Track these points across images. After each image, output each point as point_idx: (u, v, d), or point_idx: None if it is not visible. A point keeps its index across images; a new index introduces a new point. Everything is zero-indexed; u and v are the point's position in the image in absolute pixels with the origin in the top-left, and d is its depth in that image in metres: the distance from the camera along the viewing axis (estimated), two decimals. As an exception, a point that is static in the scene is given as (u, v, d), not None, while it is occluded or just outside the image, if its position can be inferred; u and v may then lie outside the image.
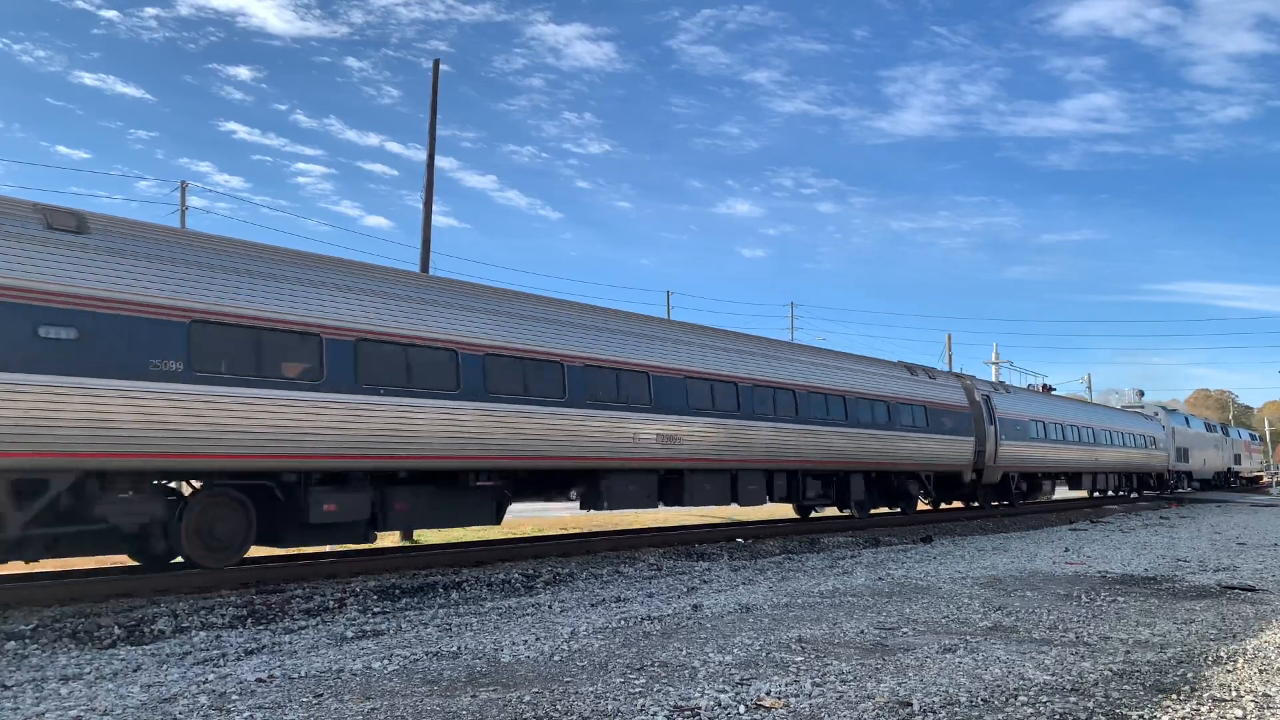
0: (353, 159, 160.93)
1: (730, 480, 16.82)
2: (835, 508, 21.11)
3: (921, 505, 24.52)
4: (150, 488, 10.16)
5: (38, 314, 8.81)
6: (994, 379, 40.86)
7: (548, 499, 15.28)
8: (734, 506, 18.08)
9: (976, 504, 26.32)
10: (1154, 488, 39.62)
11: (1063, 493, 35.20)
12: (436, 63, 21.71)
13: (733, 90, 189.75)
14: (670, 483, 15.75)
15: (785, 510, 23.34)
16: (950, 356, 52.20)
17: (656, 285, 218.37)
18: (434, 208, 20.86)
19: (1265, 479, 63.30)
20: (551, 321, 14.06)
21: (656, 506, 16.11)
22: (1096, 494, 35.05)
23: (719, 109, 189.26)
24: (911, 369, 24.02)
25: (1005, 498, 27.34)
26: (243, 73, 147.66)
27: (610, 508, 14.90)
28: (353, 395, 11.02)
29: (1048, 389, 37.48)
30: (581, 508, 15.01)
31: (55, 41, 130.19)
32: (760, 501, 17.85)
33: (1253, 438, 63.22)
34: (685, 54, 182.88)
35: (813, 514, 22.07)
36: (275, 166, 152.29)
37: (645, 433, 14.83)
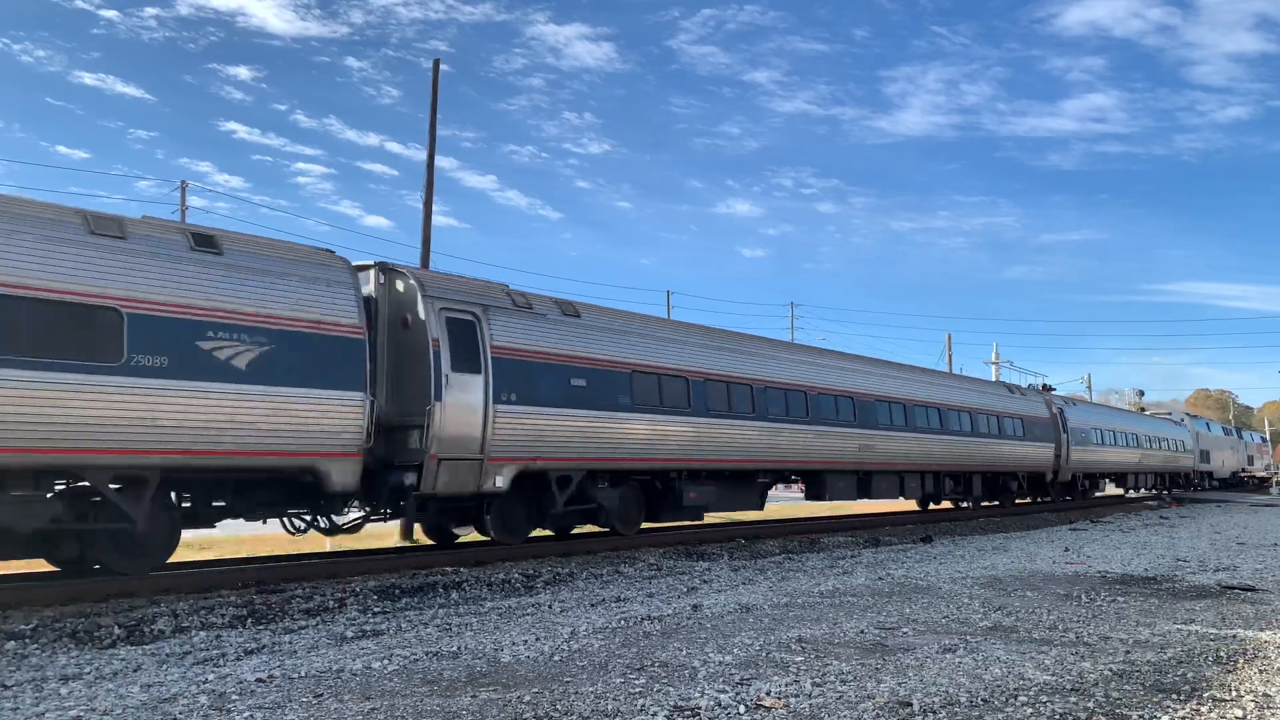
0: (352, 159, 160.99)
1: (899, 479, 21.64)
2: (951, 501, 26.04)
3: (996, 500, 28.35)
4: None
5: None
6: (994, 379, 41.55)
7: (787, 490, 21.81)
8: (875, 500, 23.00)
9: (1049, 498, 30.80)
10: (1181, 486, 43.83)
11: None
12: (436, 63, 21.71)
13: (733, 90, 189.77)
14: (862, 480, 20.56)
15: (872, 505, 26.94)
16: (950, 356, 52.19)
17: (657, 285, 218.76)
18: (434, 208, 20.86)
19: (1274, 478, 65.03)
20: (798, 362, 19.26)
21: (856, 499, 21.30)
22: (1130, 492, 38.81)
23: (719, 109, 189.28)
24: (1010, 388, 29.90)
25: (1071, 493, 32.17)
26: (242, 72, 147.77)
27: (830, 499, 20.16)
28: (701, 418, 15.92)
29: (1047, 389, 37.77)
30: (806, 498, 20.97)
31: (55, 41, 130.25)
32: (896, 496, 22.22)
33: (1263, 440, 67.84)
34: (685, 54, 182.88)
35: (930, 506, 26.59)
36: (275, 166, 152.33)
37: (851, 444, 19.71)
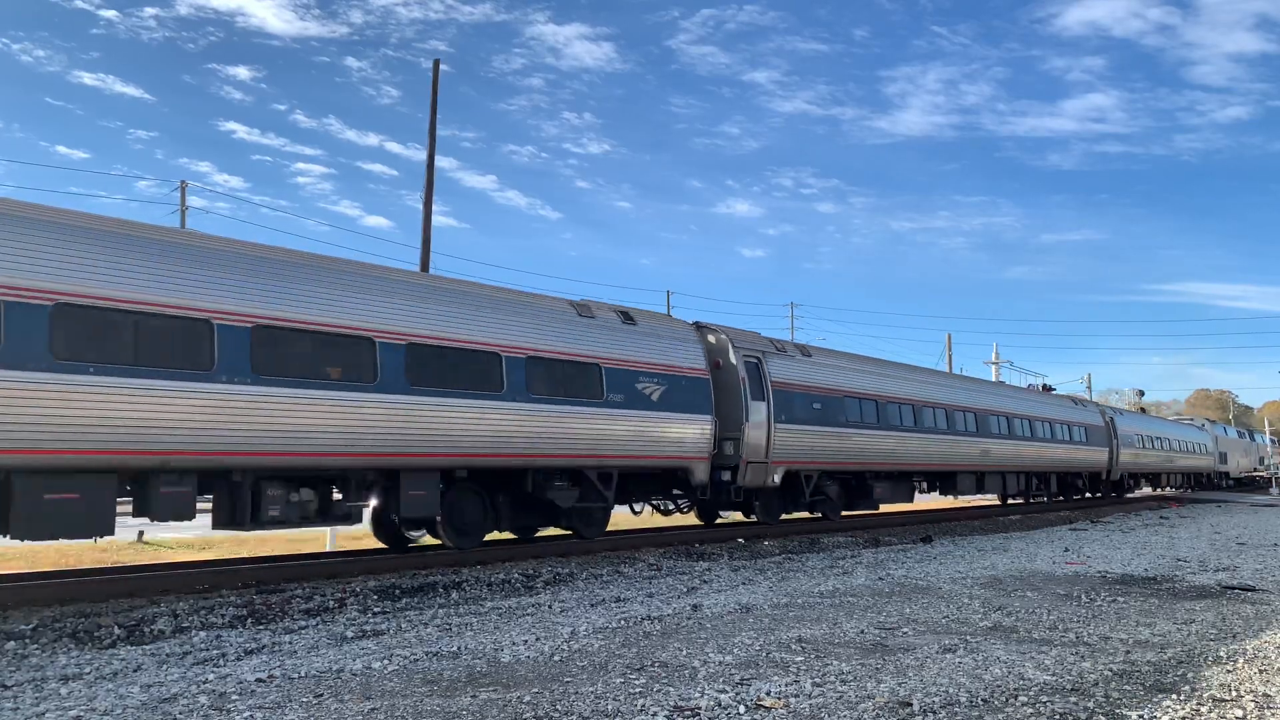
0: (352, 159, 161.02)
1: (1001, 478, 26.35)
2: (1023, 498, 29.87)
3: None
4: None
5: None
6: (994, 379, 42.12)
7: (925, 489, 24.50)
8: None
9: (1101, 495, 35.35)
10: (1204, 485, 49.17)
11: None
12: (436, 63, 21.74)
13: (732, 90, 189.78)
14: (979, 479, 24.95)
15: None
16: (950, 356, 52.20)
17: (656, 285, 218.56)
18: (434, 208, 20.88)
19: None
20: (939, 384, 24.19)
21: (974, 494, 26.20)
22: (1163, 489, 43.82)
23: (719, 109, 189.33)
24: (1074, 400, 34.74)
25: (1118, 491, 37.00)
26: (242, 72, 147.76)
27: (959, 494, 25.25)
28: (887, 432, 20.55)
29: (1047, 389, 38.29)
30: (940, 494, 25.26)
31: (54, 41, 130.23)
32: (1000, 491, 27.13)
33: (1274, 441, 72.70)
34: (685, 54, 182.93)
35: (1009, 501, 29.87)
36: (275, 166, 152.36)
37: (975, 450, 24.35)
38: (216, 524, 10.67)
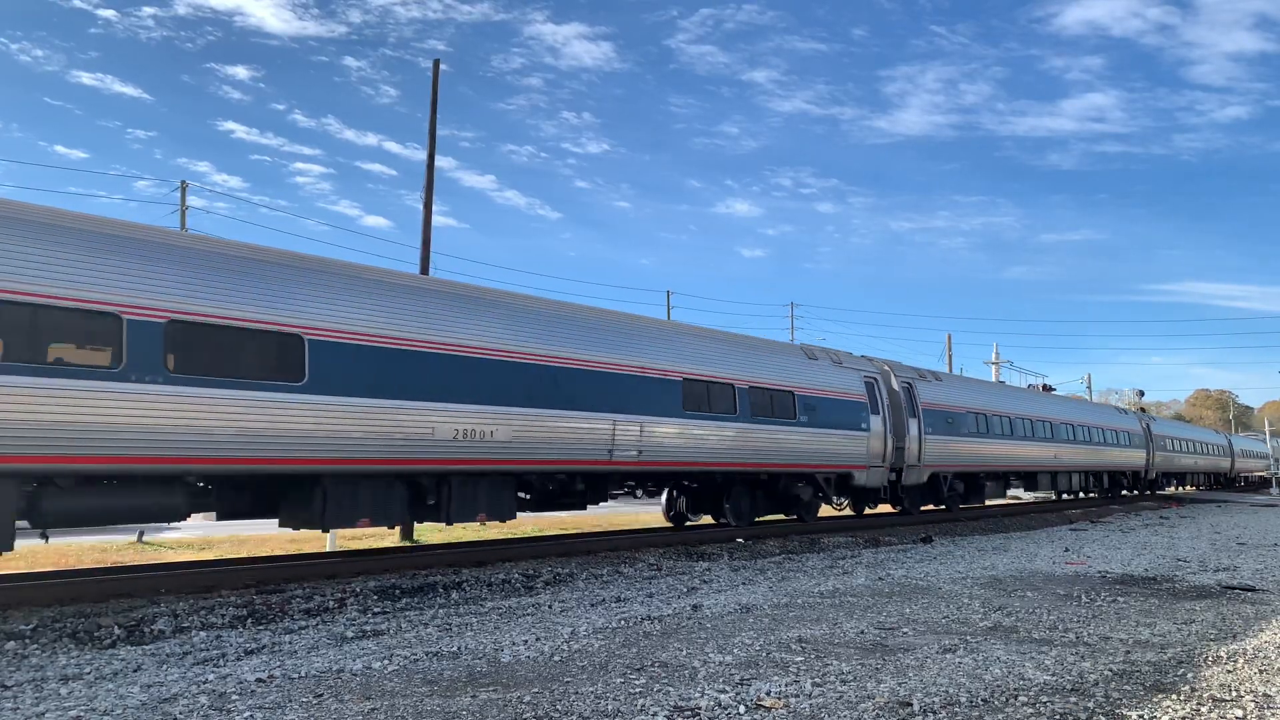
0: (351, 159, 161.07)
1: (1069, 476, 31.20)
2: (1087, 493, 34.35)
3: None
4: None
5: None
6: (994, 379, 42.78)
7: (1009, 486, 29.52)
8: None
9: (1138, 492, 40.10)
10: (1221, 484, 56.86)
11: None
12: (436, 63, 21.71)
13: (731, 90, 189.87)
14: (1053, 478, 29.88)
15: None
16: (950, 356, 52.18)
17: (656, 285, 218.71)
18: (433, 207, 20.87)
19: None
20: (1025, 397, 30.18)
21: (1049, 491, 31.33)
22: (1186, 488, 49.97)
23: (718, 108, 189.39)
24: (1119, 410, 42.08)
25: (1153, 489, 40.79)
26: (240, 72, 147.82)
27: (1038, 491, 31.06)
28: (992, 439, 25.23)
29: (1047, 389, 39.08)
30: (1025, 490, 31.28)
31: (53, 41, 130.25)
32: (1067, 489, 32.13)
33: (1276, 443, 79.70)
34: (684, 53, 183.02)
35: (1064, 496, 33.55)
36: (274, 166, 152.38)
37: (1049, 453, 28.55)
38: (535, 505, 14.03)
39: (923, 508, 23.23)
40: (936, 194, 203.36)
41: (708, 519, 18.45)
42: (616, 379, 14.04)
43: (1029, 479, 28.83)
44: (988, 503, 27.27)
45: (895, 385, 21.30)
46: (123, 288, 9.15)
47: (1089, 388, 65.88)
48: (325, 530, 12.02)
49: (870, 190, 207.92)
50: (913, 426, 21.35)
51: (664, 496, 18.24)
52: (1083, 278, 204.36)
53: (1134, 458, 36.51)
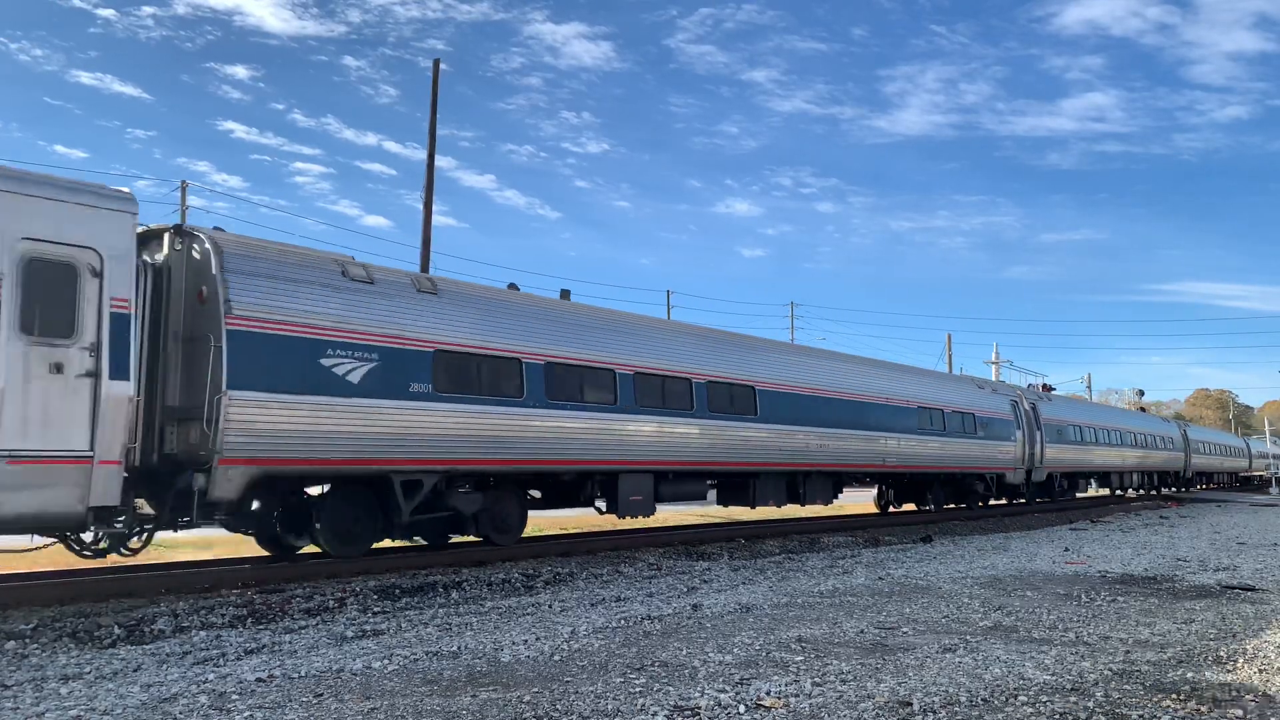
0: (351, 158, 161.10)
1: (1134, 476, 38.28)
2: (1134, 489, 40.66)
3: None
4: None
5: None
6: (994, 379, 43.37)
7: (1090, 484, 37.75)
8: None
9: (1177, 489, 46.53)
10: (1242, 483, 64.50)
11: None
12: (436, 63, 21.73)
13: (731, 89, 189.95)
14: (1120, 477, 36.74)
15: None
16: (950, 356, 52.23)
17: (656, 285, 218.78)
18: (433, 207, 20.88)
19: None
20: (1107, 409, 42.96)
21: (1120, 488, 38.08)
22: (1208, 485, 57.59)
23: (717, 108, 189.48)
24: (1162, 419, 48.95)
25: (1190, 487, 47.68)
26: (240, 72, 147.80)
27: (1114, 489, 37.75)
28: (1097, 446, 33.68)
29: (1048, 389, 39.64)
30: (1110, 491, 38.03)
31: (52, 40, 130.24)
32: (1131, 487, 39.23)
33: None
34: (683, 53, 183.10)
35: (1121, 492, 39.45)
36: (273, 166, 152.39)
37: (1119, 456, 35.63)
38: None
39: (1037, 499, 30.19)
40: (936, 194, 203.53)
41: (910, 506, 25.08)
42: (885, 409, 21.02)
43: (1103, 477, 36.32)
44: (1076, 495, 35.18)
45: (1025, 405, 28.07)
46: (521, 342, 13.06)
47: (1089, 387, 65.98)
48: (753, 508, 17.89)
49: (870, 190, 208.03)
50: (1038, 438, 28.12)
51: (875, 490, 24.41)
52: (1083, 278, 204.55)
53: (1175, 459, 44.51)
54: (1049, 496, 30.36)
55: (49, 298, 8.58)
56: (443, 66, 22.10)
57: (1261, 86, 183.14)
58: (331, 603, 9.20)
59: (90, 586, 9.58)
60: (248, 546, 15.84)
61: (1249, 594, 9.74)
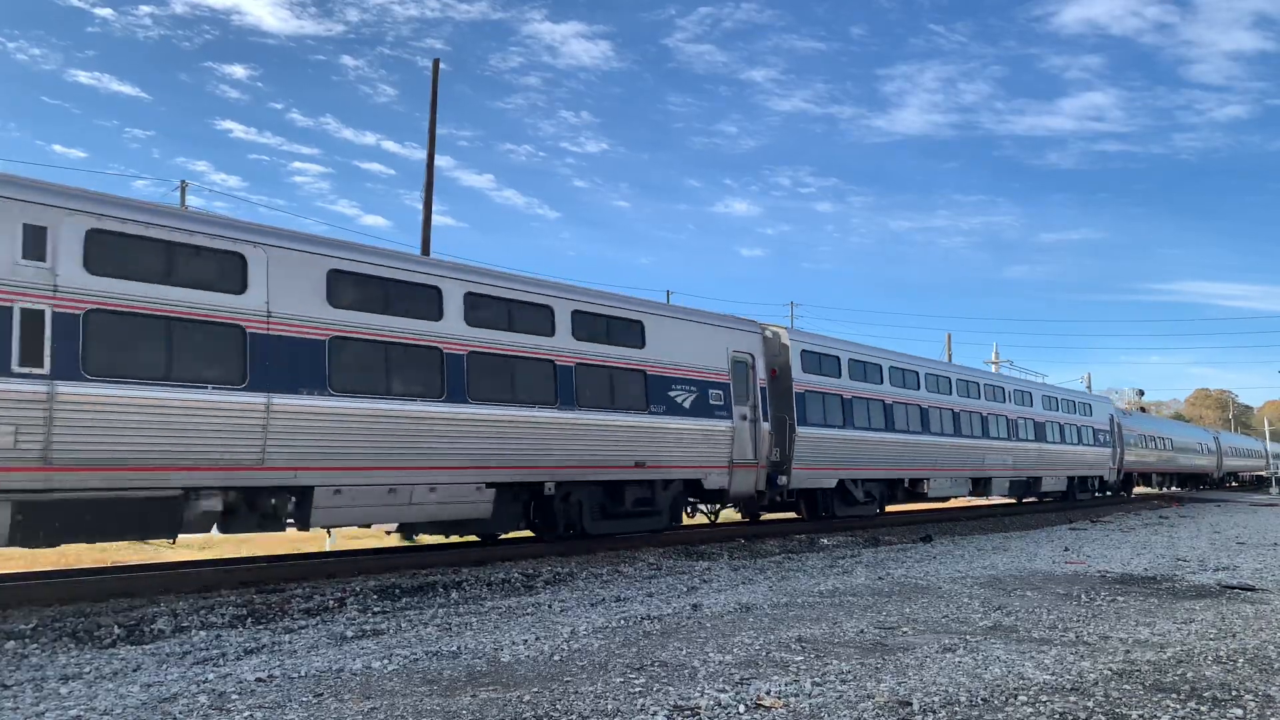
0: (349, 158, 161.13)
1: (1179, 476, 49.54)
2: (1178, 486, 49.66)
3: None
4: None
5: None
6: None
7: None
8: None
9: (1206, 486, 55.02)
10: (1264, 481, 71.08)
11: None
12: (436, 63, 21.72)
13: (730, 89, 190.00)
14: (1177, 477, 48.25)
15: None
16: (950, 356, 52.19)
17: (656, 285, 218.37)
18: (432, 207, 20.87)
19: None
20: (1162, 422, 53.00)
21: (1172, 487, 47.99)
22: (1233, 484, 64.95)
23: (716, 107, 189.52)
24: (1202, 429, 59.94)
25: (1218, 485, 56.81)
26: (238, 71, 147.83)
27: (1161, 487, 47.26)
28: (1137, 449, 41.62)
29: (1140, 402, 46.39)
30: (1149, 485, 46.00)
31: (50, 39, 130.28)
32: (1184, 486, 50.23)
33: None
34: (682, 52, 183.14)
35: (1163, 491, 47.10)
36: (272, 165, 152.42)
37: (1172, 458, 44.83)
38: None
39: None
40: (936, 193, 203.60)
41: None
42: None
43: (1166, 478, 46.53)
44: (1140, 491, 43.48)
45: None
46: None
47: (1089, 387, 65.91)
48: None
49: (869, 189, 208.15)
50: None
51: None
52: (1082, 277, 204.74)
53: (1210, 462, 54.37)
54: (1128, 493, 40.14)
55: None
56: (441, 66, 22.10)
57: (1260, 86, 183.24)
58: (331, 603, 9.20)
59: (90, 586, 9.57)
60: (248, 546, 15.84)
61: (1249, 594, 9.74)
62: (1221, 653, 6.48)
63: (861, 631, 7.27)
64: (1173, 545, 15.94)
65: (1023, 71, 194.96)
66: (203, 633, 7.70)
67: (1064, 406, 31.02)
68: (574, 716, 4.79)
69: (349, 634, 7.54)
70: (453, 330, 12.02)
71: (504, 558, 12.74)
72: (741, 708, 4.92)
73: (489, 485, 12.27)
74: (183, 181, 31.61)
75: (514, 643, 6.85)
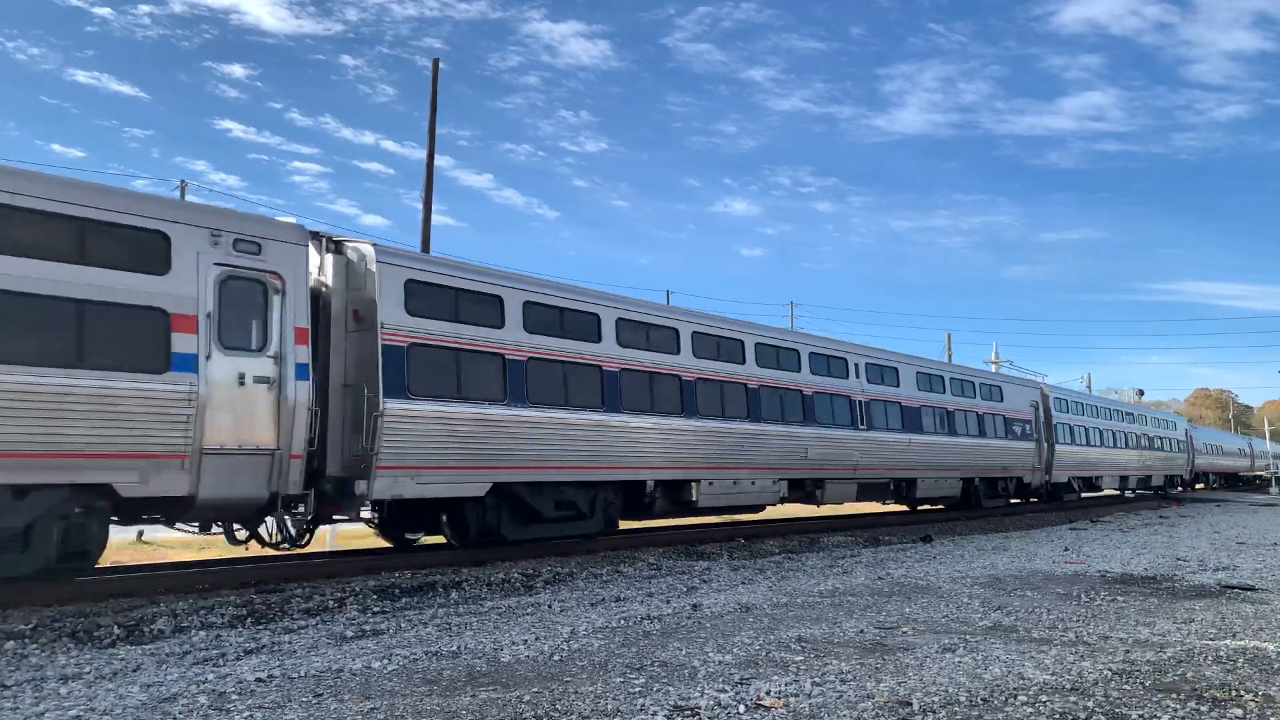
0: (348, 157, 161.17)
1: (1223, 476, 62.21)
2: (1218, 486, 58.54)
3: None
4: None
5: None
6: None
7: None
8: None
9: (1182, 488, 52.63)
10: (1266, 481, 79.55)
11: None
12: (436, 63, 21.71)
13: (729, 88, 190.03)
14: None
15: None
16: (950, 356, 52.20)
17: (656, 285, 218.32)
18: (432, 207, 20.86)
19: None
20: (1218, 435, 66.36)
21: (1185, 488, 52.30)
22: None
23: (716, 107, 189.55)
24: (1229, 436, 72.09)
25: (1191, 486, 53.16)
26: (237, 70, 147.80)
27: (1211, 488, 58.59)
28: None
29: None
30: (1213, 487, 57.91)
31: (49, 39, 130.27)
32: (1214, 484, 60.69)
33: None
34: (681, 51, 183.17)
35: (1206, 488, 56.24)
36: (271, 165, 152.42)
37: (1226, 463, 61.35)
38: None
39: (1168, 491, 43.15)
40: (935, 193, 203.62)
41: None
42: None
43: (1200, 477, 52.91)
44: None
45: (1188, 430, 45.29)
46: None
47: (1089, 387, 65.93)
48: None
49: (869, 189, 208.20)
50: (1191, 451, 45.33)
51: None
52: (1082, 277, 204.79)
53: (1245, 464, 64.57)
54: (1194, 488, 49.24)
55: None
56: (441, 66, 22.09)
57: (1260, 85, 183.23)
58: (331, 603, 9.19)
59: (90, 586, 9.57)
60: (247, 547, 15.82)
61: (1249, 594, 9.74)
62: (1221, 653, 6.48)
63: (861, 631, 7.27)
64: (1173, 545, 15.94)
65: (1022, 71, 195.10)
66: (203, 633, 7.70)
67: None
68: (574, 716, 4.79)
69: (349, 634, 7.54)
70: (752, 372, 17.36)
71: (504, 558, 12.74)
72: (741, 708, 4.92)
73: (780, 480, 17.62)
74: (182, 181, 31.60)
75: (514, 643, 6.85)
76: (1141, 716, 4.80)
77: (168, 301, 9.42)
